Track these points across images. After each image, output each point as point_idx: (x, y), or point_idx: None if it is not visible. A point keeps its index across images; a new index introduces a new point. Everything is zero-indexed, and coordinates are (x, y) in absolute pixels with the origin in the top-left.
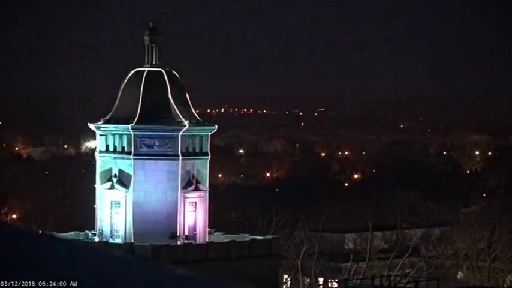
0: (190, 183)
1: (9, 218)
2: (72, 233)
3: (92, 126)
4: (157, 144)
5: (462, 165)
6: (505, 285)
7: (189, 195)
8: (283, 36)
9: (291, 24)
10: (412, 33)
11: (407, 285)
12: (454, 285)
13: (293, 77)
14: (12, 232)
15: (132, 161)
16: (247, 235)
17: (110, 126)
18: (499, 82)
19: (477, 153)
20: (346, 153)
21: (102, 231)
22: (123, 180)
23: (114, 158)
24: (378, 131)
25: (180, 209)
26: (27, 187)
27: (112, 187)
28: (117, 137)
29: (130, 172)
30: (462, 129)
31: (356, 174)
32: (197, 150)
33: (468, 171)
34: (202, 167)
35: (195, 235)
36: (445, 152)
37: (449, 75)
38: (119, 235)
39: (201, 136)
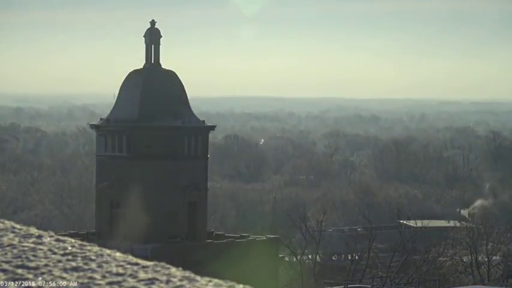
0: (189, 183)
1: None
2: (72, 232)
3: (91, 125)
4: (157, 144)
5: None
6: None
7: (188, 195)
8: None
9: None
10: None
11: (407, 285)
12: (454, 285)
13: None
14: (12, 231)
15: (131, 160)
16: (247, 235)
17: (110, 126)
18: None
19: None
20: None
21: (101, 231)
22: (123, 180)
23: (114, 157)
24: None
25: (180, 209)
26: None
27: (112, 187)
28: (116, 136)
29: (130, 172)
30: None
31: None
32: (197, 149)
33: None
34: (201, 166)
35: (194, 235)
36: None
37: None
38: (119, 235)
39: (201, 136)
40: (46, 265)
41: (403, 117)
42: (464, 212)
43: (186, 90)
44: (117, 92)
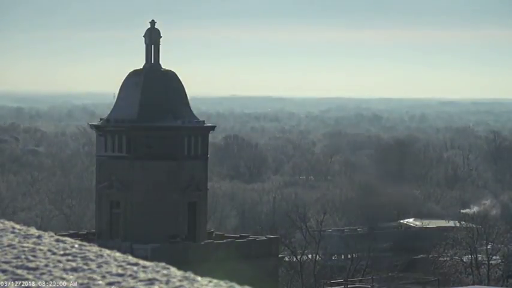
0: (189, 183)
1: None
2: (72, 232)
3: (91, 125)
4: (156, 144)
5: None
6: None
7: (188, 195)
8: None
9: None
10: None
11: (408, 285)
12: (454, 285)
13: None
14: (12, 231)
15: (131, 161)
16: (247, 235)
17: (110, 126)
18: None
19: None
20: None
21: (101, 231)
22: (123, 180)
23: (114, 157)
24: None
25: (180, 209)
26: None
27: (111, 187)
28: (116, 137)
29: (130, 172)
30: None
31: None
32: (196, 149)
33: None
34: (201, 166)
35: (194, 235)
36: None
37: None
38: (119, 235)
39: (200, 136)
40: (46, 265)
41: (404, 117)
42: (464, 212)
43: (186, 90)
44: (117, 92)
